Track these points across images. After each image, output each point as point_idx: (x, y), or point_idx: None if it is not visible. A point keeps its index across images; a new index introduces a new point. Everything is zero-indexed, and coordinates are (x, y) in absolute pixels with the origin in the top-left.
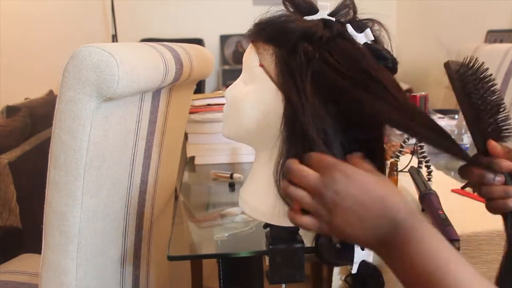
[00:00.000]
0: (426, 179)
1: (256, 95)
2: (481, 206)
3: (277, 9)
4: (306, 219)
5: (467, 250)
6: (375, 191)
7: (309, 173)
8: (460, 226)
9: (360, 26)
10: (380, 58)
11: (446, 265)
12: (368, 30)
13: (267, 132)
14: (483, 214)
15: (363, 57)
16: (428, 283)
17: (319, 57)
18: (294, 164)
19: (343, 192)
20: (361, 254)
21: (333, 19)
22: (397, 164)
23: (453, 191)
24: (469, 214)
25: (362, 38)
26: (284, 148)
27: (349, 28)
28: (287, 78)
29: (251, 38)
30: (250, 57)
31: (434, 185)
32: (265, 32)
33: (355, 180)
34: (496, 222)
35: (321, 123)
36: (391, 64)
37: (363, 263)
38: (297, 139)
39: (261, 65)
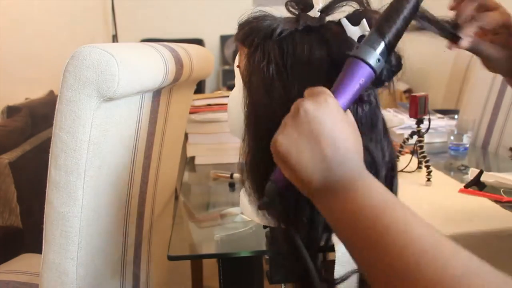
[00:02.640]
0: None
1: (235, 94)
2: (491, 203)
3: (265, 8)
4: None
5: (480, 248)
6: (343, 136)
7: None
8: (472, 225)
9: (359, 18)
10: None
11: (391, 210)
12: (364, 21)
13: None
14: (495, 212)
15: (312, 51)
16: (372, 228)
17: (273, 52)
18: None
19: (313, 113)
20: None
21: (317, 14)
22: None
23: (460, 191)
24: (481, 212)
25: (356, 31)
26: (248, 143)
27: (344, 21)
28: (247, 76)
29: (236, 41)
30: (237, 58)
31: (436, 186)
32: (240, 34)
33: (333, 113)
34: (509, 220)
35: (274, 121)
36: (394, 61)
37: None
38: (254, 134)
39: (238, 66)
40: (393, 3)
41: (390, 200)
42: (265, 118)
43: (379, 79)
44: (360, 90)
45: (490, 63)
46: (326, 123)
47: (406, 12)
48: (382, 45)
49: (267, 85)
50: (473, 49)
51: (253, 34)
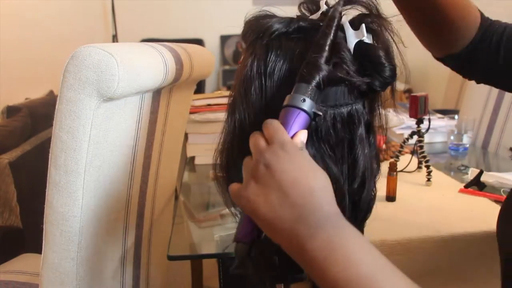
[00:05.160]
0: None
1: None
2: (491, 203)
3: (268, 8)
4: (233, 186)
5: (480, 248)
6: (307, 179)
7: (260, 142)
8: (472, 225)
9: (359, 23)
10: (372, 63)
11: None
12: (362, 26)
13: None
14: (495, 212)
15: (291, 62)
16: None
17: (259, 53)
18: (256, 134)
19: (275, 166)
20: None
21: (317, 15)
22: (396, 164)
23: (460, 191)
24: (481, 212)
25: (353, 35)
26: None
27: (346, 25)
28: (236, 72)
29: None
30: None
31: (436, 186)
32: (243, 32)
33: (293, 159)
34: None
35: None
36: (388, 73)
37: None
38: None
39: (239, 63)
40: (317, 40)
41: (374, 275)
42: (239, 114)
43: (373, 89)
44: (303, 125)
45: None
46: (289, 172)
47: (331, 36)
48: (309, 88)
49: (246, 84)
50: None
51: (249, 32)
